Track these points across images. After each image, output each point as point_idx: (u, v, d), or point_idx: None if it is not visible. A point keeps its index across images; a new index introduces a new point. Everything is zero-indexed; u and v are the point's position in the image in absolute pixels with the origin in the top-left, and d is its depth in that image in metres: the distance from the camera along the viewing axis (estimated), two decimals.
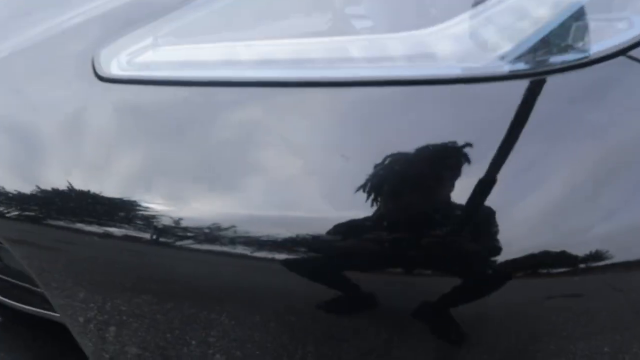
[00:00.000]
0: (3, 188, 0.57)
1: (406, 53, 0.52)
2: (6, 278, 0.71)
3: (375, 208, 0.46)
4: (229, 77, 0.54)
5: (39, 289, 0.64)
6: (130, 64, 0.56)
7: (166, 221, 0.50)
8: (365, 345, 0.52)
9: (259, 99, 0.53)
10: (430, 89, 0.51)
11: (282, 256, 0.47)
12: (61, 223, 0.54)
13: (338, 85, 0.52)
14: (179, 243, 0.50)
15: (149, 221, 0.51)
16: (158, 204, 0.51)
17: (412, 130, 0.50)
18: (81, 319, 0.60)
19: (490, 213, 0.46)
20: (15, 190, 0.56)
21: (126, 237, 0.52)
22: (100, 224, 0.53)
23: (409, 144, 0.48)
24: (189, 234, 0.49)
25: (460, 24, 0.51)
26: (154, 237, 0.50)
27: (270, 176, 0.50)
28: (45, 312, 0.68)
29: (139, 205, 0.51)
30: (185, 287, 0.53)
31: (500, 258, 0.46)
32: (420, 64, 0.52)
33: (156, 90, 0.56)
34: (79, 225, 0.53)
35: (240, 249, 0.48)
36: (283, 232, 0.47)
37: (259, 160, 0.50)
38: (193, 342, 0.56)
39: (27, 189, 0.56)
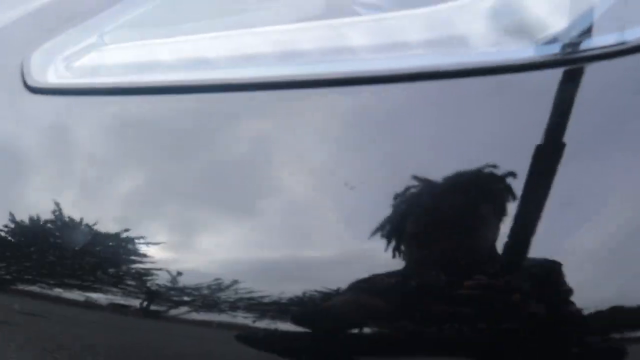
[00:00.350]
0: None
1: (426, 37, 0.40)
2: None
3: (396, 258, 0.34)
4: (195, 80, 0.41)
5: None
6: (70, 69, 0.44)
7: (161, 278, 0.38)
8: None
9: (235, 107, 0.41)
10: (460, 83, 0.39)
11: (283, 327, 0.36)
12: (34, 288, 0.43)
13: (337, 83, 0.40)
14: (171, 311, 0.38)
15: (141, 280, 0.39)
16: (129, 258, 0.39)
17: (440, 144, 0.38)
18: None
19: (543, 258, 0.34)
20: None
21: (111, 306, 0.40)
22: (84, 288, 0.41)
23: (438, 164, 0.36)
24: (184, 297, 0.38)
25: None
26: (144, 303, 0.39)
27: (251, 216, 0.38)
28: None
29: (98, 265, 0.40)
30: None
31: (557, 317, 0.34)
32: (444, 51, 0.39)
33: (105, 102, 0.44)
34: (50, 292, 0.42)
35: (240, 316, 0.36)
36: (276, 296, 0.35)
37: (236, 192, 0.38)
38: None
39: None
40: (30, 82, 0.44)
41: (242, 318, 0.37)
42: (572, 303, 0.34)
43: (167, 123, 0.42)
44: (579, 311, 0.34)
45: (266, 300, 0.36)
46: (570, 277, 0.34)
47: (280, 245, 0.37)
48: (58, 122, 0.44)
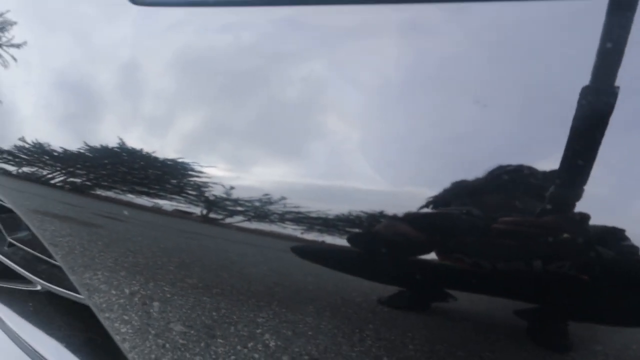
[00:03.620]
0: (49, 146, 0.46)
1: None
2: (32, 252, 0.64)
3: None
4: None
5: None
6: None
7: (218, 191, 0.40)
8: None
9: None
10: None
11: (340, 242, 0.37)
12: (110, 194, 0.45)
13: None
14: (228, 219, 0.40)
15: (200, 191, 0.41)
16: (214, 171, 0.40)
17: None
18: (127, 291, 0.53)
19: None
20: (62, 150, 0.46)
21: (176, 212, 0.42)
22: (151, 195, 0.43)
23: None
24: (239, 207, 0.39)
25: None
26: (204, 211, 0.41)
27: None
28: (69, 292, 0.61)
29: (192, 172, 0.41)
30: (232, 275, 0.45)
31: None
32: None
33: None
34: (129, 197, 0.44)
35: (290, 228, 0.39)
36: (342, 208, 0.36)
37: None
38: (241, 321, 0.48)
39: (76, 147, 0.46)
40: None
41: (292, 230, 0.39)
42: None
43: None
44: None
45: (313, 215, 0.38)
46: None
47: (327, 174, 0.38)
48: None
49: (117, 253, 0.51)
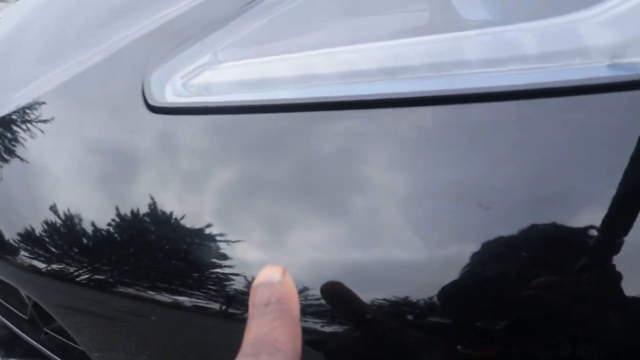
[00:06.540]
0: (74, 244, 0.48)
1: (545, 50, 0.38)
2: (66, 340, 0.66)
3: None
4: (306, 97, 0.42)
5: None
6: (187, 87, 0.46)
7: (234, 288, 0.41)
8: None
9: (351, 123, 0.41)
10: (585, 100, 0.37)
11: None
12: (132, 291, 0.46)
13: (450, 100, 0.39)
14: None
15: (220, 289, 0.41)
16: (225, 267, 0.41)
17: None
18: None
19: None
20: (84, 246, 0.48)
21: (194, 308, 0.42)
22: (170, 292, 0.44)
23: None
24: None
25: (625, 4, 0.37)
26: (223, 307, 0.41)
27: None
28: None
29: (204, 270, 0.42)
30: None
31: None
32: (563, 66, 0.38)
33: (217, 120, 0.46)
34: (144, 294, 0.45)
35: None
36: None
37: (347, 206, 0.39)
38: None
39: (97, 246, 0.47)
40: (150, 101, 0.47)
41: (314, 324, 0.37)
42: None
43: (278, 142, 0.43)
44: None
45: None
46: None
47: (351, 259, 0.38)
48: (172, 143, 0.46)
49: (137, 344, 0.51)
